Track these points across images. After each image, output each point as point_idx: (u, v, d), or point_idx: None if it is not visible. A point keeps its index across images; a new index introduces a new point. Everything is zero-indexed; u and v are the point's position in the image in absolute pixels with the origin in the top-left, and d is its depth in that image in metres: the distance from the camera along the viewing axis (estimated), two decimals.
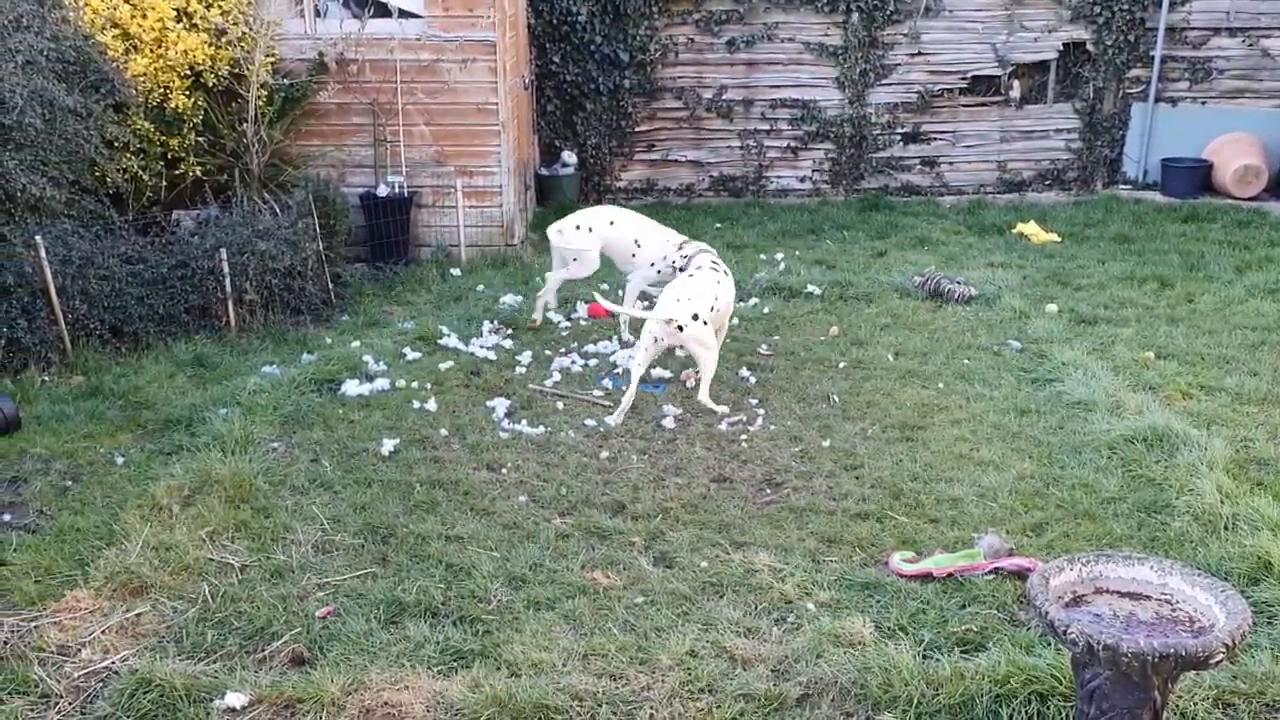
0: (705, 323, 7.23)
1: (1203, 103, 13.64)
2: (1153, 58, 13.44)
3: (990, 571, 5.21)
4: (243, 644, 4.80)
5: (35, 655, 4.67)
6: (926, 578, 5.22)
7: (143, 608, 5.02)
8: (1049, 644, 4.58)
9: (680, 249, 8.20)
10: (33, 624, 4.89)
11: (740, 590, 5.16)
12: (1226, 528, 5.47)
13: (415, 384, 7.71)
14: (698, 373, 7.81)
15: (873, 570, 5.31)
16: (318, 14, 10.53)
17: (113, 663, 4.65)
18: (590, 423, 7.10)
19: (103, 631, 4.85)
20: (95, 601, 5.06)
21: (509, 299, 9.51)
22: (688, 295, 7.29)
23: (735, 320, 9.07)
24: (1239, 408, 7.13)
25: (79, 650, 4.73)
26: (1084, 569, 3.80)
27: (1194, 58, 13.51)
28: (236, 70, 9.82)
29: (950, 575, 5.21)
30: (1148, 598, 3.74)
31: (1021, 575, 5.15)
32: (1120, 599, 3.75)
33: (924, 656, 4.58)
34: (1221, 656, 3.35)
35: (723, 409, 7.29)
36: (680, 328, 7.15)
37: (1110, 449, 6.46)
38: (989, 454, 6.54)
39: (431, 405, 7.36)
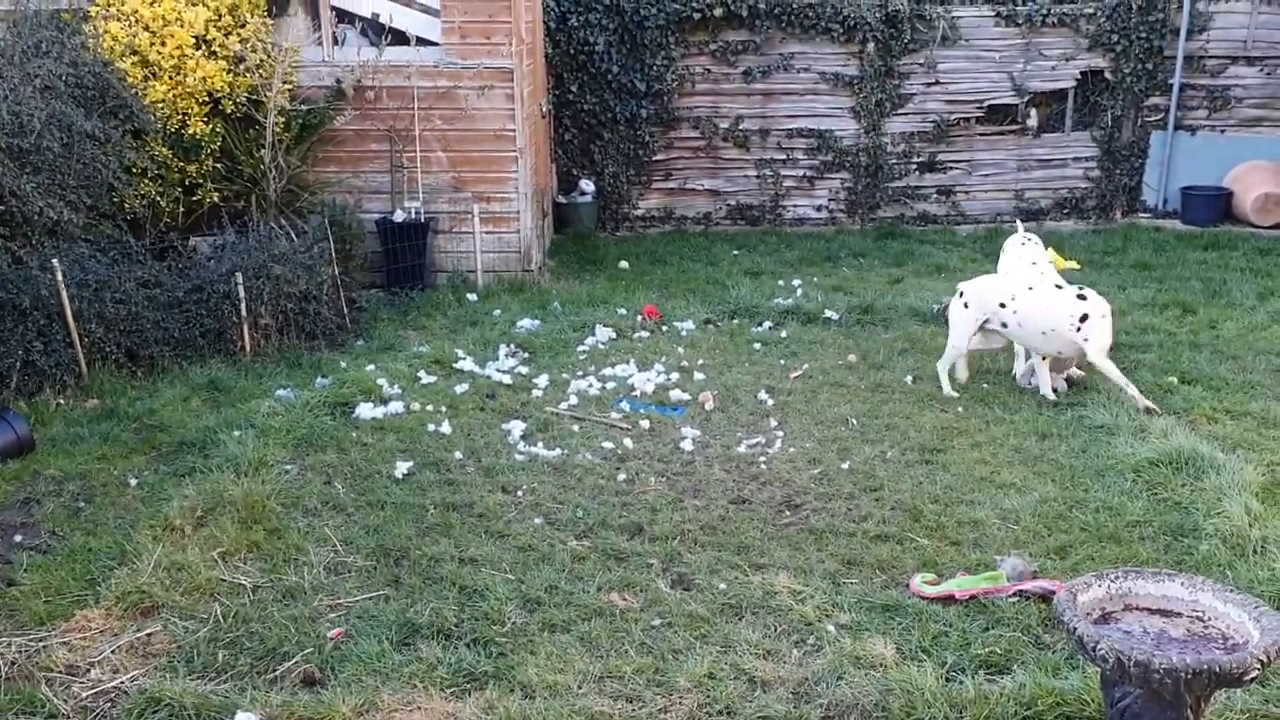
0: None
1: (1222, 131, 13.58)
2: (1171, 86, 13.40)
3: (1014, 594, 5.11)
4: (254, 664, 4.74)
5: (42, 675, 4.62)
6: (949, 600, 5.12)
7: (154, 627, 4.97)
8: (1076, 666, 4.48)
9: None
10: (41, 644, 4.83)
11: (759, 612, 5.08)
12: (1256, 551, 5.37)
13: (430, 407, 7.67)
14: (716, 394, 7.80)
15: (894, 592, 5.22)
16: (335, 41, 10.57)
17: (122, 682, 4.59)
18: (608, 445, 7.03)
19: (112, 651, 4.79)
20: (105, 621, 5.00)
21: (526, 323, 9.47)
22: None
23: (757, 346, 9.03)
24: (1265, 432, 7.02)
25: (88, 670, 4.68)
26: (1113, 585, 3.72)
27: (1212, 86, 13.47)
28: (255, 97, 9.86)
29: (973, 598, 5.11)
30: (1179, 615, 3.65)
31: (1046, 598, 5.05)
32: (1150, 616, 3.67)
33: (947, 679, 4.49)
34: (1256, 673, 3.25)
35: (951, 393, 7.79)
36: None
37: (1135, 472, 6.36)
38: (1010, 477, 6.45)
39: (446, 428, 7.31)
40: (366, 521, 6.02)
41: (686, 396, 7.87)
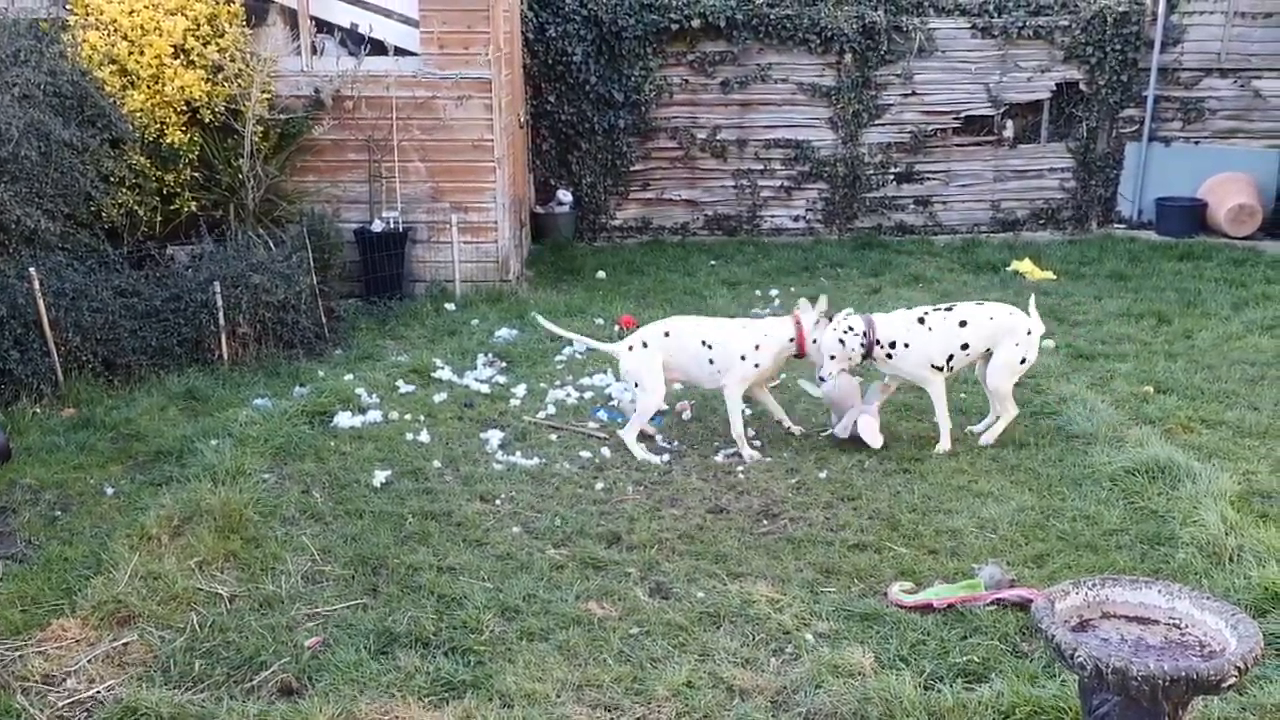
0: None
1: (1196, 142, 13.71)
2: (1146, 98, 13.53)
3: (992, 603, 5.14)
4: (231, 673, 4.71)
5: (18, 684, 4.57)
6: (926, 609, 5.14)
7: (130, 637, 4.93)
8: (1054, 674, 4.50)
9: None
10: (17, 653, 4.79)
11: (737, 621, 5.08)
12: (1232, 559, 5.41)
13: (408, 416, 7.65)
14: (693, 404, 7.80)
15: (872, 601, 5.23)
16: (314, 51, 10.55)
17: (98, 692, 4.55)
18: (585, 454, 7.03)
19: (89, 661, 4.75)
20: (82, 631, 4.96)
21: (504, 333, 9.47)
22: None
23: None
24: (1240, 441, 7.08)
25: (64, 679, 4.64)
26: (1090, 593, 3.73)
27: (1186, 98, 13.60)
28: (233, 106, 9.82)
29: (951, 606, 5.13)
30: (1156, 622, 3.67)
31: (1024, 606, 5.07)
32: (1128, 623, 3.68)
33: (925, 687, 4.50)
34: (1234, 680, 3.27)
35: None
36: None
37: (1112, 481, 6.40)
38: (988, 486, 6.48)
39: (424, 437, 7.29)
40: (344, 530, 6.00)
41: (664, 406, 7.85)
